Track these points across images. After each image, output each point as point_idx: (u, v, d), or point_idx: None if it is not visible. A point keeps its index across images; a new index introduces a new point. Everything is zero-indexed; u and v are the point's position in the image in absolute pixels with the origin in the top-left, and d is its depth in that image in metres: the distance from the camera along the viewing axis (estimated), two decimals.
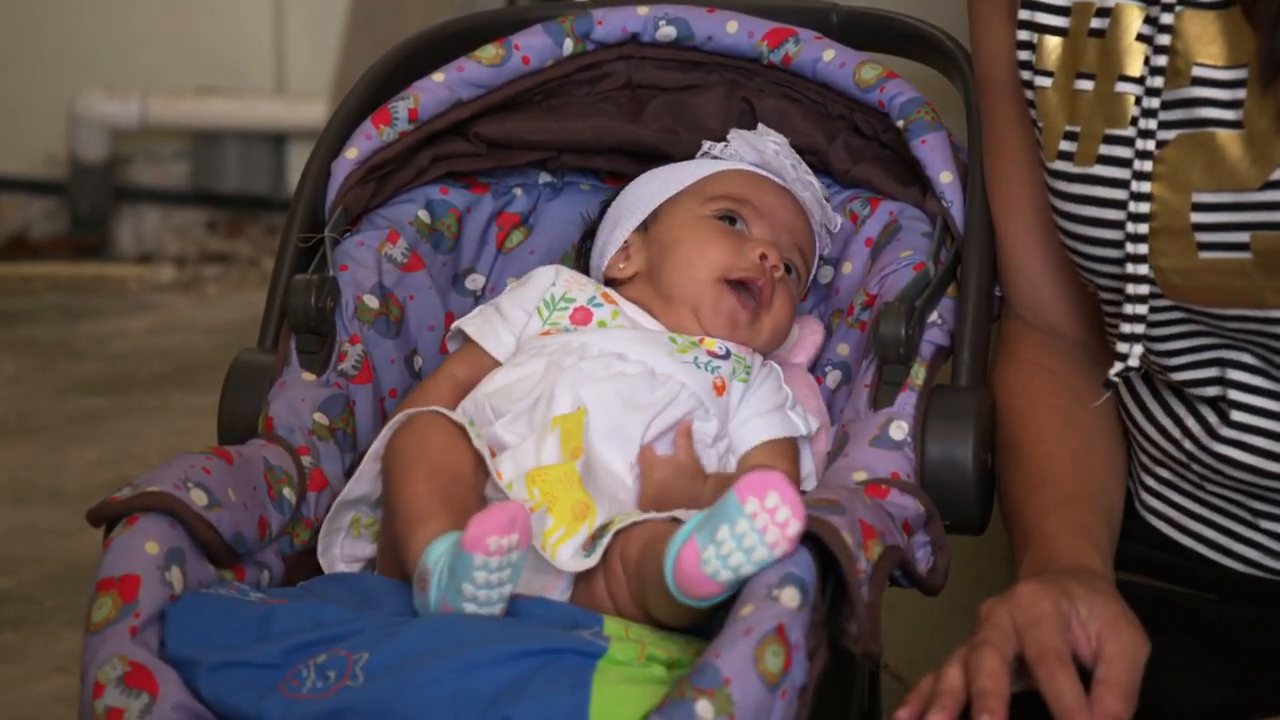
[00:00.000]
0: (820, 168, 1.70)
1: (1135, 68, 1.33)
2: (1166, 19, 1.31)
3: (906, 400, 1.43)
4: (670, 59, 1.72)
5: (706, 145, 1.64)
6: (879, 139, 1.66)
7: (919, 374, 1.44)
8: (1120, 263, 1.35)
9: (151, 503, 1.29)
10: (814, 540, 1.19)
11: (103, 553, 1.27)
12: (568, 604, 1.33)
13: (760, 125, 1.65)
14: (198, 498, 1.31)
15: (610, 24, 1.70)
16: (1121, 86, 1.34)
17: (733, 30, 1.69)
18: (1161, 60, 1.31)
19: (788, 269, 1.56)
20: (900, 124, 1.60)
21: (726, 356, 1.51)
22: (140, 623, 1.23)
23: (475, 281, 1.72)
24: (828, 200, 1.64)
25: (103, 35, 5.20)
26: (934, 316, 1.48)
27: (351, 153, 1.64)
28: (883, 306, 1.46)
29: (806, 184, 1.61)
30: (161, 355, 4.17)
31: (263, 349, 1.55)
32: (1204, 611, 1.45)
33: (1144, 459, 1.46)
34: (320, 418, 1.50)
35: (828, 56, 1.66)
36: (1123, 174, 1.34)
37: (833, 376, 1.61)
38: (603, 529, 1.34)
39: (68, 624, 2.58)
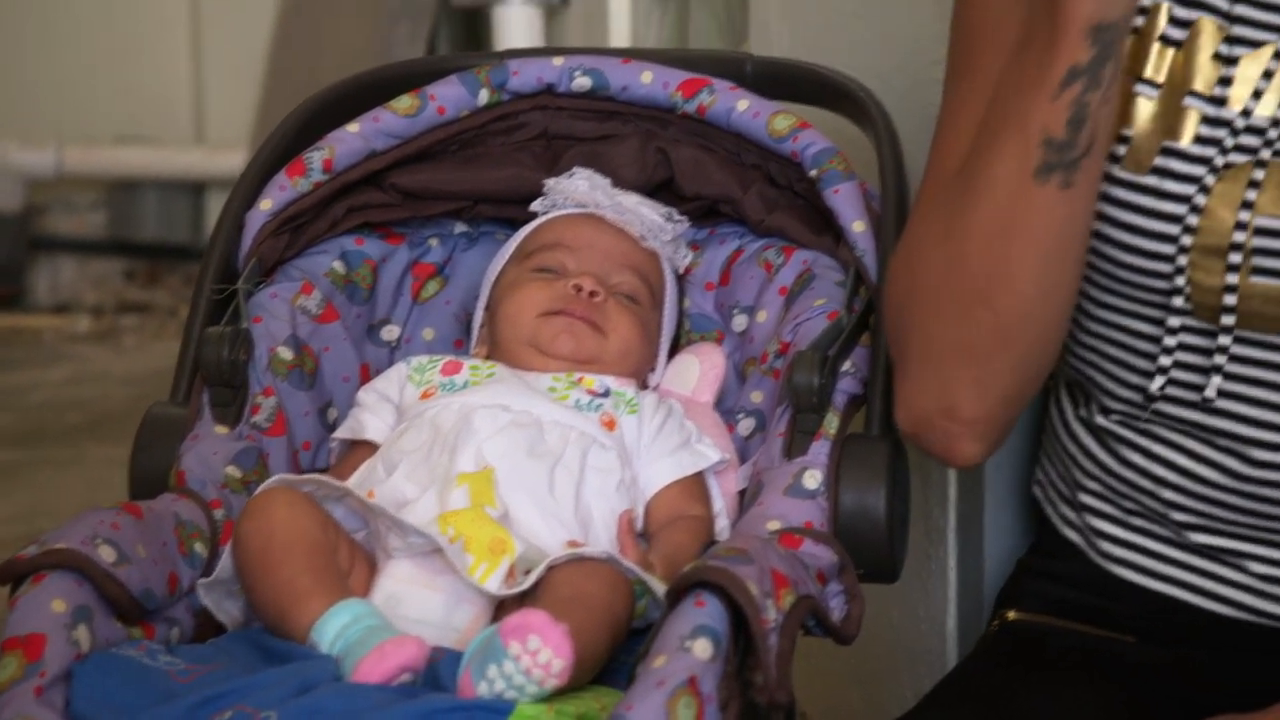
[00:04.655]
0: (735, 217, 1.71)
1: (1205, 84, 1.33)
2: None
3: (820, 449, 1.43)
4: (585, 109, 1.72)
5: (533, 206, 1.67)
6: (793, 188, 1.67)
7: (832, 423, 1.44)
8: (1168, 276, 1.34)
9: (58, 560, 1.27)
10: (722, 592, 1.19)
11: (9, 611, 1.25)
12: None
13: (575, 168, 1.67)
14: (106, 554, 1.29)
15: (525, 74, 1.71)
16: (1189, 101, 1.34)
17: (647, 80, 1.70)
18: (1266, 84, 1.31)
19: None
20: (813, 174, 1.61)
21: (606, 395, 1.54)
22: (46, 682, 1.21)
23: (390, 332, 1.71)
24: (675, 218, 1.67)
25: (17, 84, 5.16)
26: (847, 365, 1.49)
27: (266, 204, 1.63)
28: (796, 355, 1.46)
29: (620, 208, 1.64)
30: (77, 406, 4.13)
31: (175, 402, 1.54)
32: (1123, 654, 1.46)
33: (1113, 510, 1.47)
34: (233, 470, 1.49)
35: (741, 106, 1.67)
36: (1180, 189, 1.33)
37: (746, 424, 1.61)
38: (529, 561, 1.36)
39: None
